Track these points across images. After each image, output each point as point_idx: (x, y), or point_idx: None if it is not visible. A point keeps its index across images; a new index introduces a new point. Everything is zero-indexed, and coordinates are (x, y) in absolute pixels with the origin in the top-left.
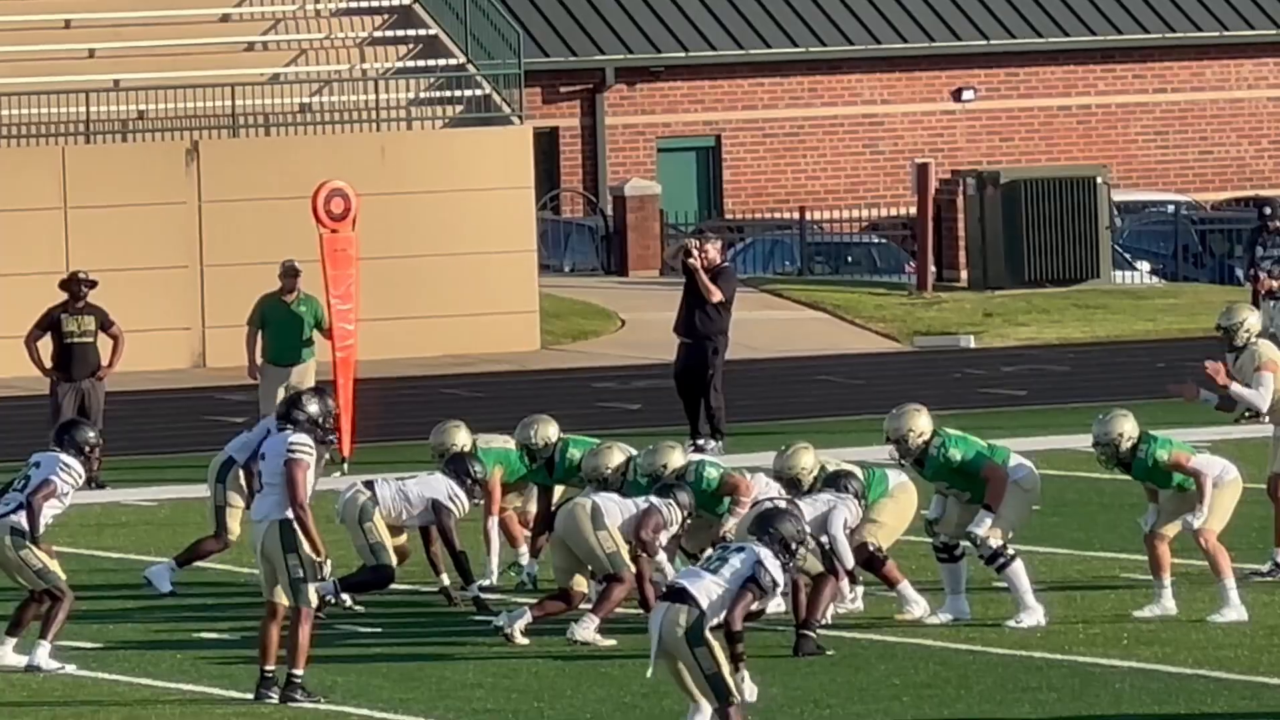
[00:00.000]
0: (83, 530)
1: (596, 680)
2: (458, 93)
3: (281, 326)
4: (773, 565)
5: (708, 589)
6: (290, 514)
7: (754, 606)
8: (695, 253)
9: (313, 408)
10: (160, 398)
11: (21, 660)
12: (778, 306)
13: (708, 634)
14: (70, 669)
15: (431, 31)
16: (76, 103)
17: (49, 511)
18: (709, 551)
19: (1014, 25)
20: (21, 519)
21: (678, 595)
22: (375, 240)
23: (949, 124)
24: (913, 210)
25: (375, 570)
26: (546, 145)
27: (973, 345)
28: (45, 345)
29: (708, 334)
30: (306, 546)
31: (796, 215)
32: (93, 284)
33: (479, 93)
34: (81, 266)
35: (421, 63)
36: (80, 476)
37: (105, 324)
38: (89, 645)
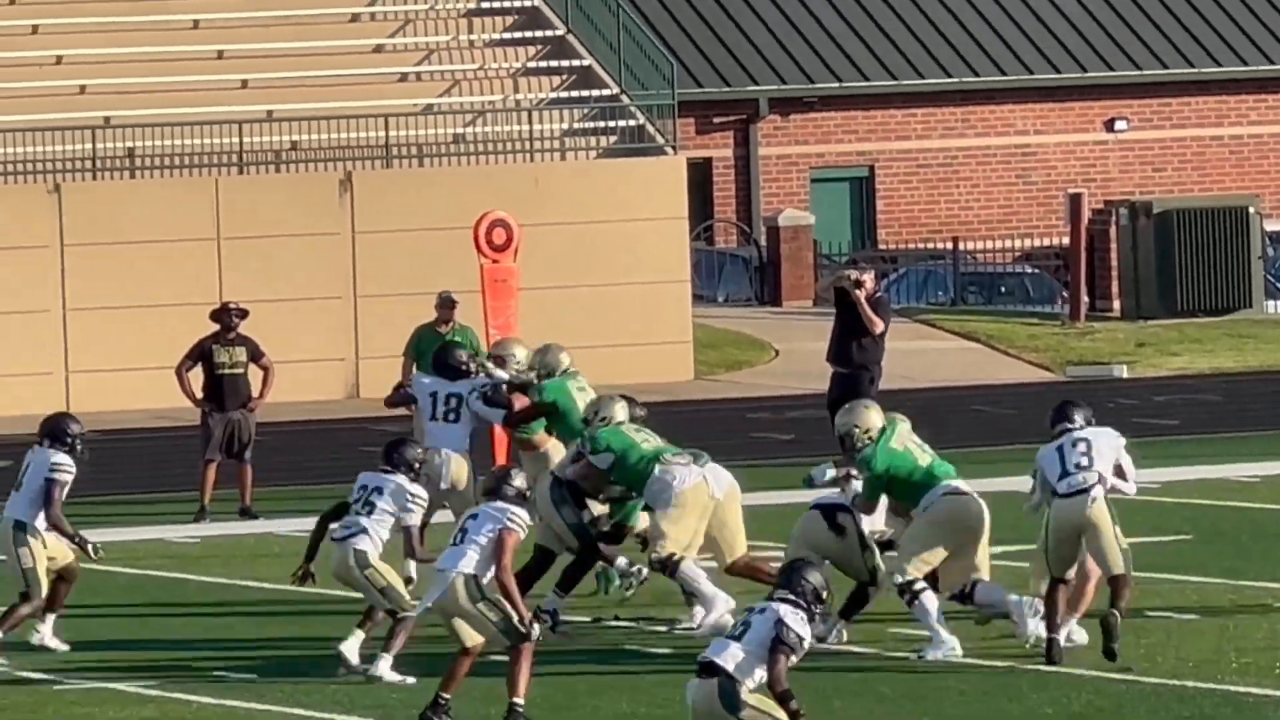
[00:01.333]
0: (236, 561)
1: None
2: (611, 123)
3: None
4: (794, 621)
5: (734, 655)
6: (484, 574)
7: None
8: (862, 284)
9: (519, 481)
10: (314, 429)
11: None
12: (931, 337)
13: (745, 697)
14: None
15: (585, 62)
16: (230, 134)
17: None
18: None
19: (1166, 55)
20: (361, 541)
21: (707, 669)
22: (529, 271)
23: (1102, 154)
24: (1065, 240)
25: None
26: (700, 176)
27: (1125, 375)
28: (196, 376)
29: (862, 364)
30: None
31: (950, 245)
32: (244, 314)
33: (633, 123)
34: (235, 297)
35: (575, 93)
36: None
37: (256, 355)
38: (246, 675)
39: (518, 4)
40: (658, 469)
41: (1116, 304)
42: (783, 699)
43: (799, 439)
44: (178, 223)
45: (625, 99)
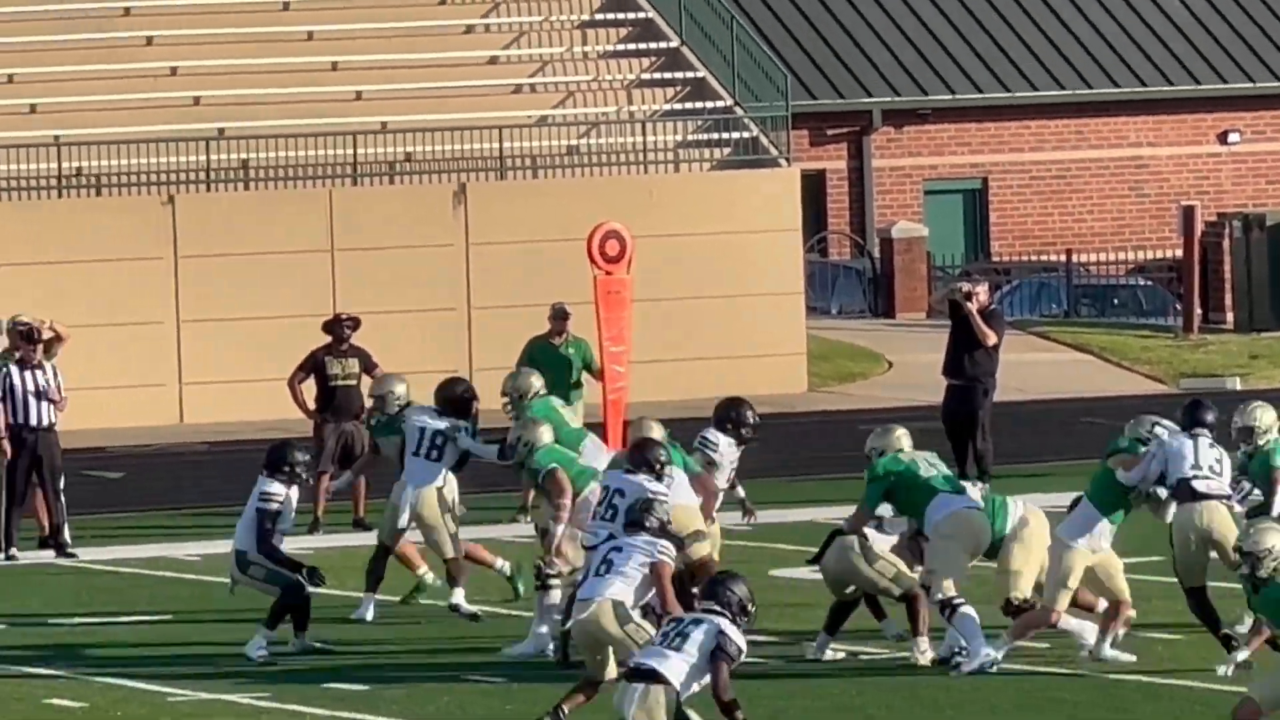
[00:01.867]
0: (348, 572)
1: None
2: (725, 135)
3: (551, 369)
4: (734, 632)
5: (676, 667)
6: (630, 603)
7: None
8: (975, 296)
9: (660, 513)
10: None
11: None
12: (1044, 349)
13: (687, 711)
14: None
15: (699, 74)
16: (344, 145)
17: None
18: (665, 626)
19: None
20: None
21: (648, 675)
22: (643, 282)
23: (1214, 166)
24: (1179, 253)
25: None
26: (814, 188)
27: (1239, 387)
28: (309, 388)
29: (976, 376)
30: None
31: (1063, 258)
32: (356, 325)
33: (746, 135)
34: (348, 309)
35: (689, 105)
36: None
37: (369, 366)
38: (359, 685)
39: (632, 16)
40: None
41: (1230, 316)
42: (729, 709)
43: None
44: (291, 234)
45: (739, 111)
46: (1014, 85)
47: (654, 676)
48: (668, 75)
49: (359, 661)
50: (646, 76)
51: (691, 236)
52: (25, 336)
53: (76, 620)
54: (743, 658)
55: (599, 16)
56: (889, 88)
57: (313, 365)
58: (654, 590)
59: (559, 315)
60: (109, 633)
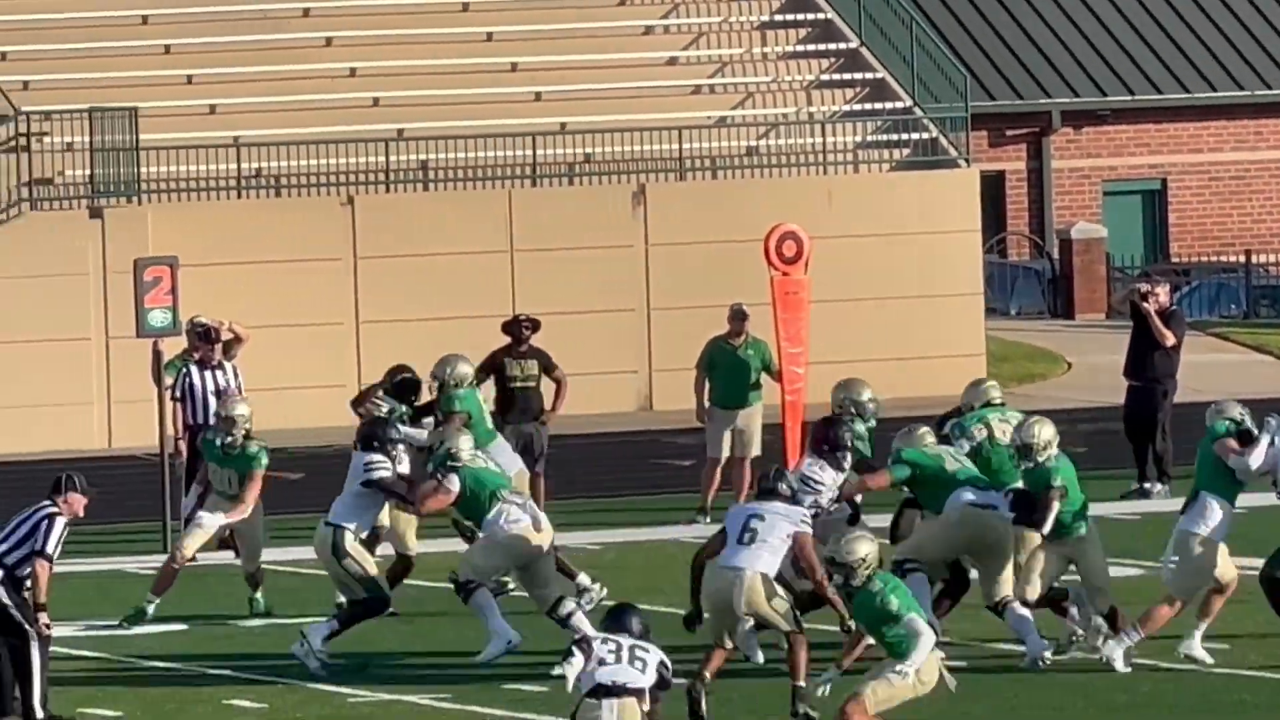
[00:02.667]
0: None
1: None
2: (904, 136)
3: (729, 370)
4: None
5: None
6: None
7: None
8: (1154, 297)
9: (790, 482)
10: (607, 441)
11: None
12: (1224, 350)
13: None
14: None
15: (878, 75)
16: (523, 146)
17: None
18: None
19: None
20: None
21: (620, 691)
22: (822, 283)
23: None
24: None
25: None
26: (993, 188)
27: None
28: (489, 389)
29: (1156, 377)
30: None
31: (1241, 258)
32: (536, 327)
33: (926, 136)
34: (527, 310)
35: (868, 106)
36: None
37: (549, 367)
38: (539, 687)
39: (811, 17)
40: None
41: None
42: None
43: (1092, 452)
44: (470, 235)
45: (918, 112)
46: (1193, 86)
47: (628, 693)
48: (847, 76)
49: (537, 660)
50: (826, 77)
51: (870, 238)
52: (204, 337)
53: (256, 621)
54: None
55: (778, 18)
56: (1068, 89)
57: (492, 367)
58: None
59: (737, 316)
60: (289, 634)
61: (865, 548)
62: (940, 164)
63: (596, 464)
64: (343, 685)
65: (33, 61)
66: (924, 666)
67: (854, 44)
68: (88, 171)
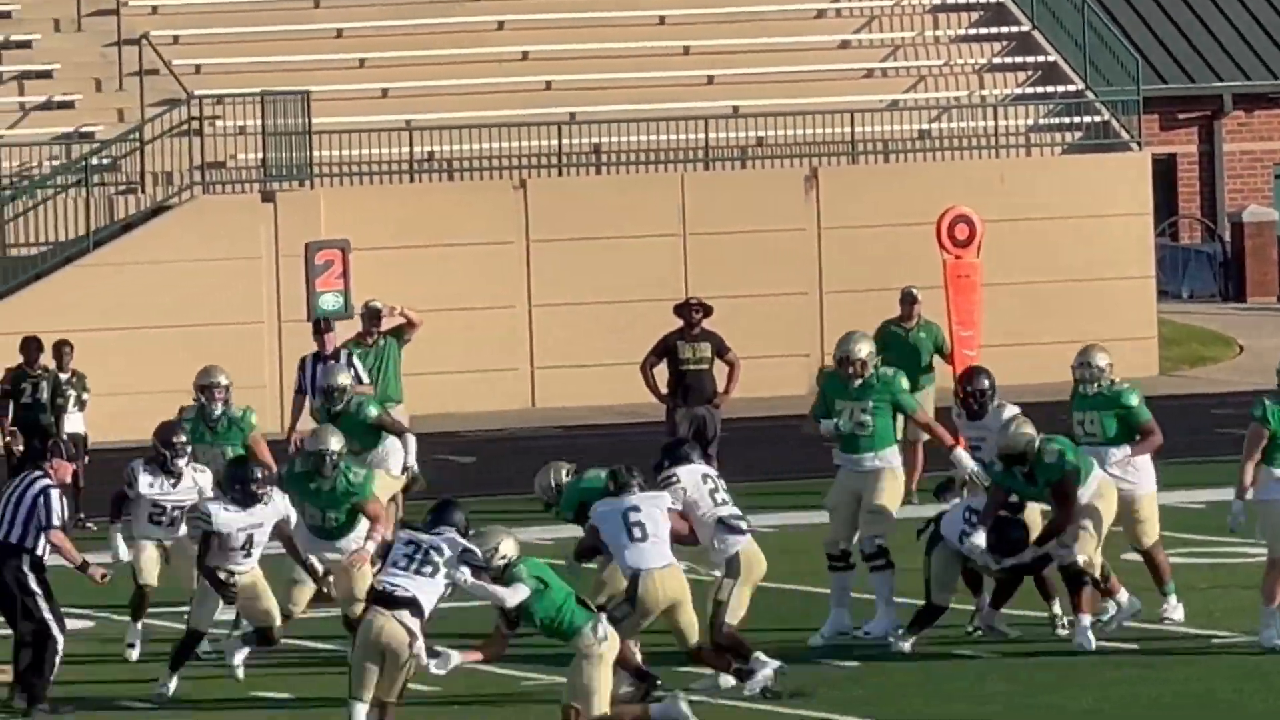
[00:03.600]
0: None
1: None
2: (1076, 119)
3: (901, 353)
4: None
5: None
6: None
7: None
8: None
9: None
10: (778, 425)
11: None
12: None
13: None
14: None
15: (1050, 58)
16: (695, 129)
17: None
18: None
19: None
20: None
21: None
22: (994, 266)
23: None
24: None
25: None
26: (1164, 171)
27: None
28: (661, 372)
29: None
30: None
31: None
32: (708, 311)
33: (1097, 119)
34: (698, 293)
35: (1040, 89)
36: None
37: (721, 350)
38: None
39: (983, 0)
40: None
41: None
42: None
43: None
44: (643, 218)
45: (1090, 95)
46: None
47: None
48: (1019, 59)
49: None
50: (997, 60)
51: (1042, 221)
52: (373, 318)
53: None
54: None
55: (950, 1)
56: (1240, 72)
57: (665, 349)
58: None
59: (907, 299)
60: (461, 616)
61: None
62: (1112, 147)
63: (769, 447)
64: (516, 667)
65: (205, 45)
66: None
67: (1026, 27)
68: (260, 155)
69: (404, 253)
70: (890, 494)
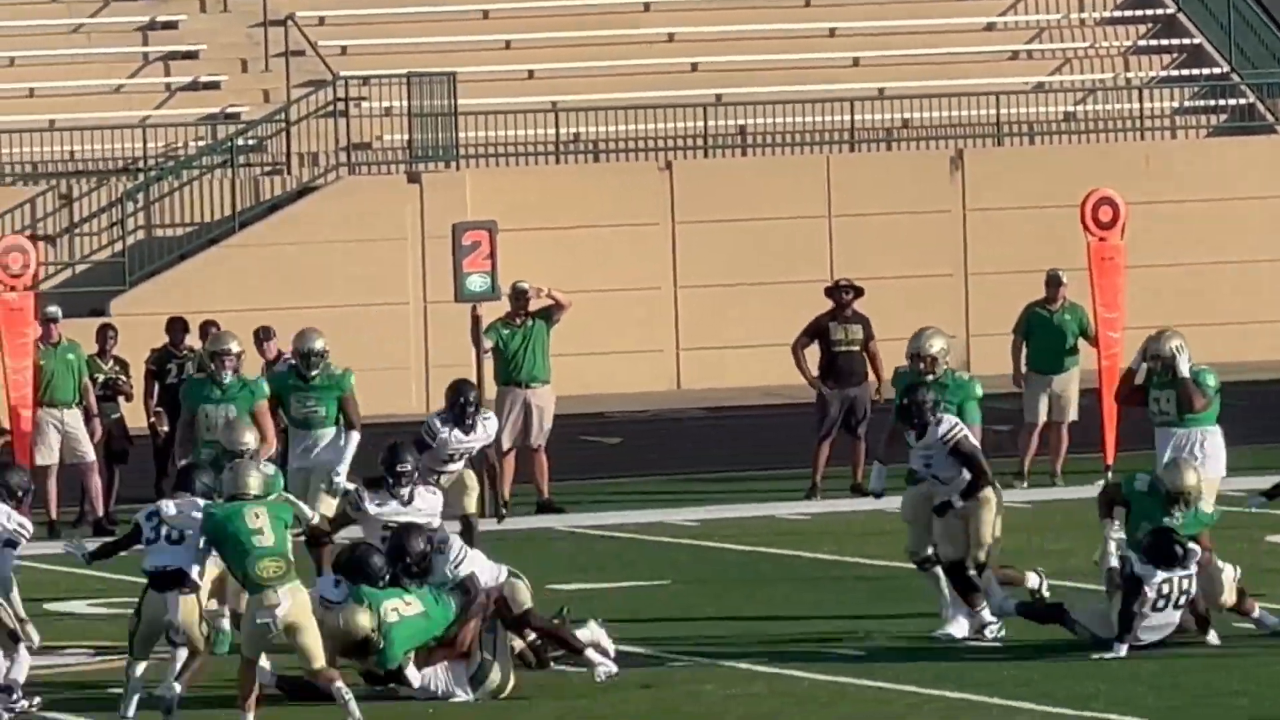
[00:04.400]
0: (847, 538)
1: None
2: (1221, 101)
3: (1045, 335)
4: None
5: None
6: None
7: None
8: None
9: None
10: None
11: None
12: None
13: None
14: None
15: (1195, 41)
16: (841, 111)
17: None
18: None
19: None
20: None
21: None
22: (1140, 249)
23: None
24: None
25: None
26: None
27: None
28: (813, 353)
29: None
30: None
31: None
32: (859, 293)
33: (1242, 102)
34: (845, 274)
35: (1185, 71)
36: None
37: (870, 335)
38: (855, 650)
39: None
40: None
41: None
42: None
43: None
44: (788, 200)
45: (1235, 78)
46: None
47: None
48: (1164, 41)
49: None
50: (1143, 43)
51: (1186, 203)
52: (522, 298)
53: (574, 585)
54: None
55: None
56: None
57: (816, 331)
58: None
59: (1052, 282)
60: (606, 597)
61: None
62: (1257, 130)
63: None
64: (659, 646)
65: (351, 26)
66: None
67: (1171, 9)
68: (405, 136)
69: (549, 234)
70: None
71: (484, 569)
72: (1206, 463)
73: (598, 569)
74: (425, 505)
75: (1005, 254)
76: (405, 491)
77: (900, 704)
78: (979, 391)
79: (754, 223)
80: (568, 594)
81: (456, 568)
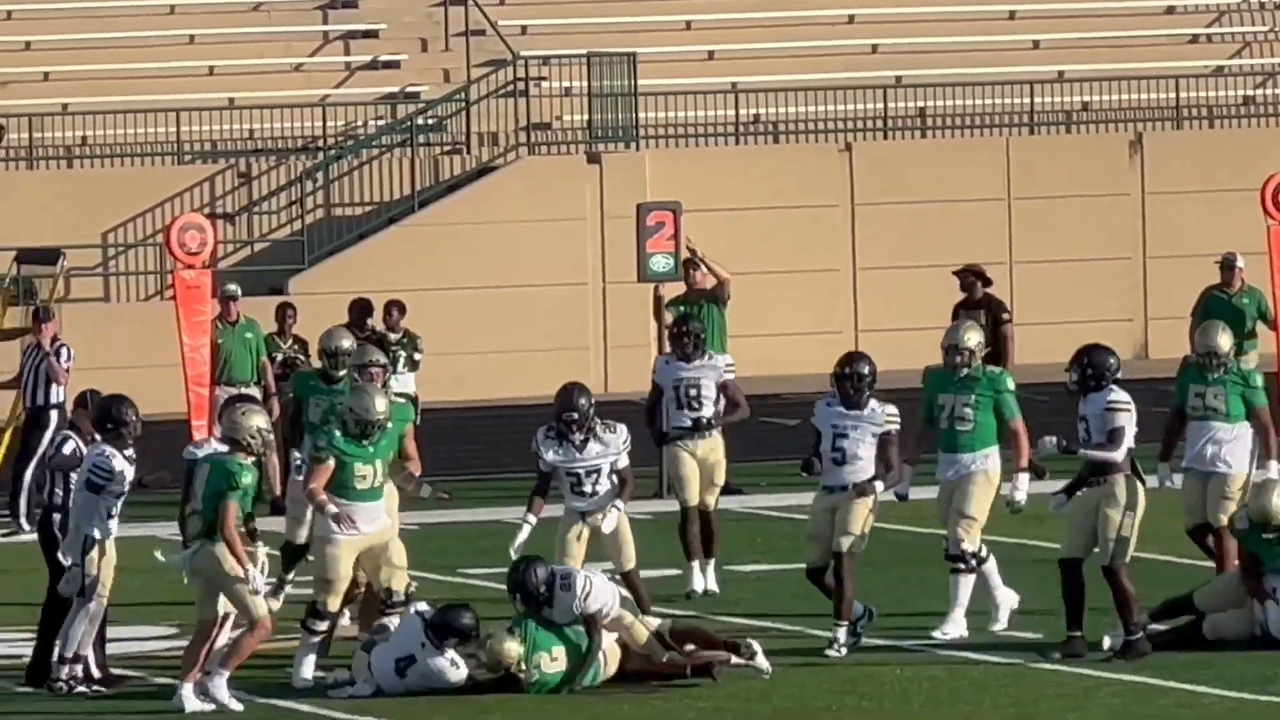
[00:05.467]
0: (1028, 520)
1: None
2: None
3: (1224, 318)
4: None
5: None
6: None
7: None
8: None
9: None
10: None
11: None
12: None
13: None
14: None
15: None
16: (1021, 94)
17: None
18: None
19: None
20: None
21: None
22: None
23: None
24: None
25: None
26: None
27: None
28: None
29: None
30: None
31: None
32: (984, 280)
33: None
34: (1021, 257)
35: None
36: None
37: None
38: (1029, 634)
39: None
40: None
41: None
42: None
43: None
44: (967, 182)
45: None
46: None
47: None
48: None
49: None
50: None
51: None
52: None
53: (750, 568)
54: None
55: None
56: None
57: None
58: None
59: (1228, 265)
60: (783, 579)
61: None
62: None
63: None
64: (810, 625)
65: (531, 6)
66: None
67: None
68: (585, 117)
69: (726, 215)
70: (979, 500)
71: (609, 597)
72: (1235, 461)
73: (776, 551)
74: (598, 450)
75: (1184, 238)
76: (578, 439)
77: (1077, 687)
78: (1011, 384)
79: (933, 205)
80: (744, 575)
81: (585, 601)
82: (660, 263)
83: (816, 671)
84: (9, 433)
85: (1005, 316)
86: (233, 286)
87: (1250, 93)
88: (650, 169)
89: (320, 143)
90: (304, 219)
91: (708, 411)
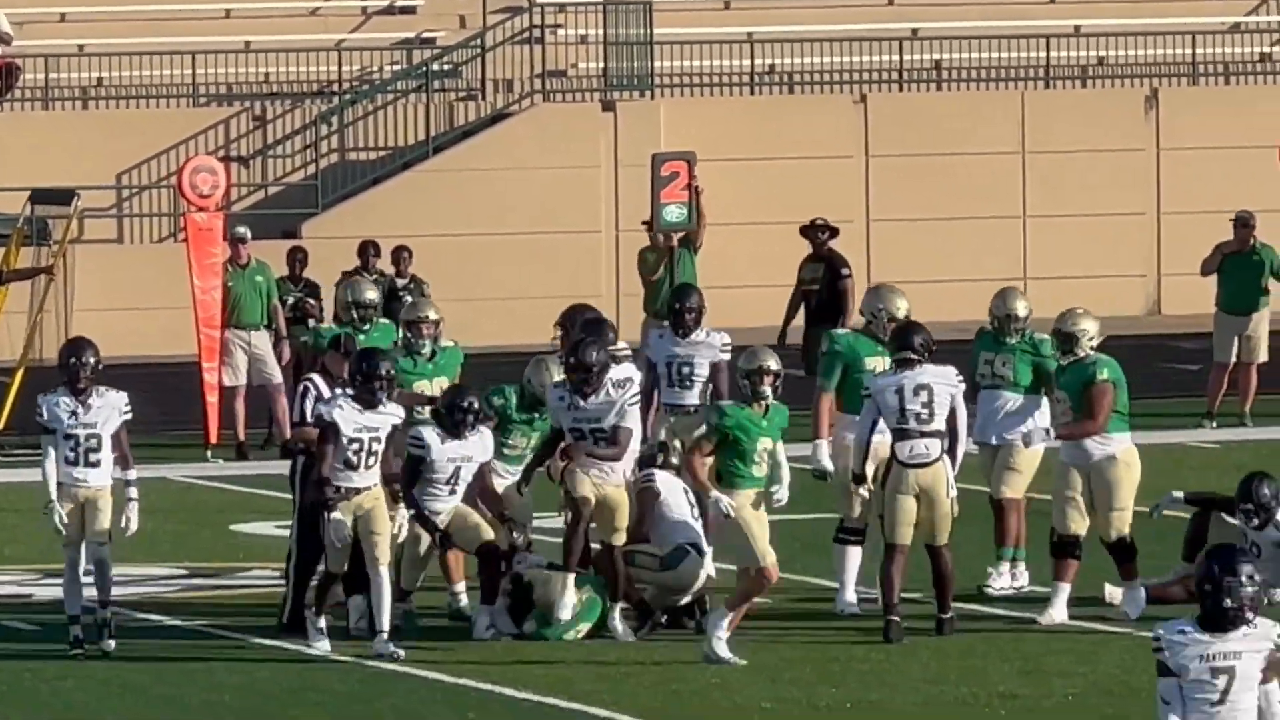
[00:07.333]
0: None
1: None
2: None
3: (1238, 275)
4: None
5: None
6: None
7: None
8: None
9: None
10: (1114, 344)
11: None
12: None
13: None
14: None
15: None
16: (1037, 48)
17: None
18: None
19: None
20: None
21: None
22: None
23: None
24: None
25: None
26: None
27: None
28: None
29: None
30: None
31: None
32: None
33: None
34: (1036, 212)
35: None
36: None
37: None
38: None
39: None
40: None
41: None
42: None
43: None
44: (982, 136)
45: None
46: None
47: None
48: None
49: None
50: None
51: None
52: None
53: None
54: None
55: None
56: None
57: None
58: None
59: (1240, 223)
60: (790, 530)
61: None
62: None
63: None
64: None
65: None
66: None
67: None
68: (601, 65)
69: (741, 165)
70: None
71: (636, 433)
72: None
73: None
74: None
75: (1198, 193)
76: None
77: (1086, 642)
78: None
79: (947, 157)
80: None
81: (630, 405)
82: (674, 212)
83: (825, 620)
84: (19, 372)
85: (845, 272)
86: (241, 229)
87: (1267, 49)
88: (665, 118)
89: (335, 87)
90: (318, 163)
91: (694, 396)
